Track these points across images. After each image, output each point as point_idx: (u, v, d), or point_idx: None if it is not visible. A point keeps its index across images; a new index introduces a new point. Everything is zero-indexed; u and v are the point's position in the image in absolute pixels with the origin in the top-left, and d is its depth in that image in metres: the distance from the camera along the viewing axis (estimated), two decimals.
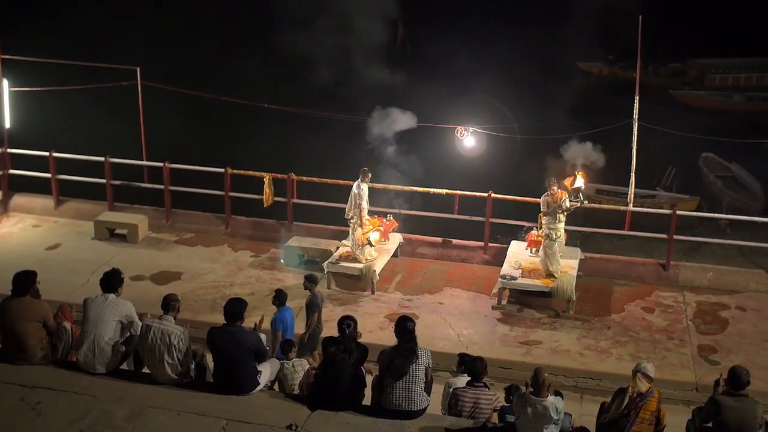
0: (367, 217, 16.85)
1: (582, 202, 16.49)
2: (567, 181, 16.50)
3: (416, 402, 9.08)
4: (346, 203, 16.84)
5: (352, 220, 16.73)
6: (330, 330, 12.04)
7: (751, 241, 18.73)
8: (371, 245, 16.86)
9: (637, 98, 17.70)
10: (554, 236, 16.00)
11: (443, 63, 35.24)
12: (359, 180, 16.63)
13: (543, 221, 16.22)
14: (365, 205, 16.66)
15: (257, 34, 41.57)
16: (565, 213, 15.98)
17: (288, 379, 10.65)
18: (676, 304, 16.36)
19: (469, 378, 9.87)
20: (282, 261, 17.67)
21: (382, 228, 17.41)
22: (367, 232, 16.74)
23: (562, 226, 16.09)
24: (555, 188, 15.91)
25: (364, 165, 17.04)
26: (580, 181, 16.62)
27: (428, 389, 9.33)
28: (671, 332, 15.26)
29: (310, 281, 13.24)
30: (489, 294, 16.47)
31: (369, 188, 16.83)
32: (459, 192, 18.36)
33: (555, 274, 16.05)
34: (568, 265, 16.43)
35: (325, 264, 16.71)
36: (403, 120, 17.42)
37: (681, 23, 42.98)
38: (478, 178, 20.53)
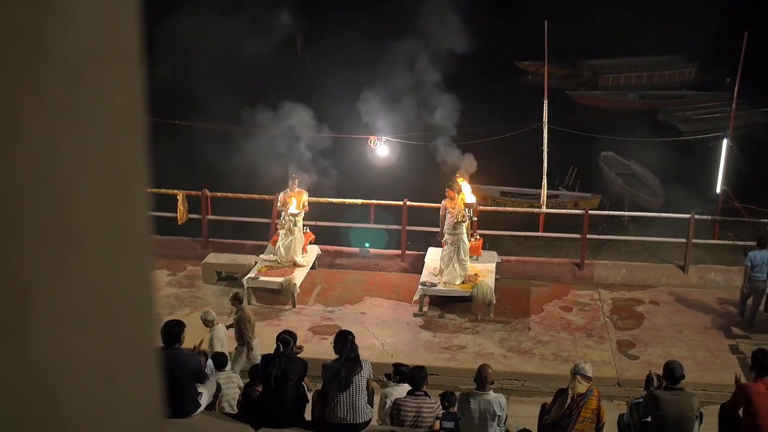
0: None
1: (471, 218, 16.49)
2: (455, 195, 16.13)
3: (360, 414, 9.12)
4: (263, 218, 16.77)
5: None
6: (267, 347, 11.96)
7: (653, 236, 19.35)
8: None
9: (546, 101, 18.06)
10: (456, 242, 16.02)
11: (348, 66, 35.05)
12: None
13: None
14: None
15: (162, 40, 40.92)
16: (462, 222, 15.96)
17: (223, 391, 10.54)
18: (593, 301, 16.75)
19: (410, 387, 9.95)
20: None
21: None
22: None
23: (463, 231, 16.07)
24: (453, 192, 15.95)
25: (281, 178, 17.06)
26: (471, 197, 16.52)
27: (371, 401, 9.38)
28: (590, 329, 15.59)
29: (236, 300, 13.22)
30: (410, 302, 16.48)
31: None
32: (374, 201, 18.42)
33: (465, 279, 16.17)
34: (485, 268, 16.63)
35: (244, 279, 16.50)
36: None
37: (569, 24, 43.74)
38: (392, 186, 20.62)
